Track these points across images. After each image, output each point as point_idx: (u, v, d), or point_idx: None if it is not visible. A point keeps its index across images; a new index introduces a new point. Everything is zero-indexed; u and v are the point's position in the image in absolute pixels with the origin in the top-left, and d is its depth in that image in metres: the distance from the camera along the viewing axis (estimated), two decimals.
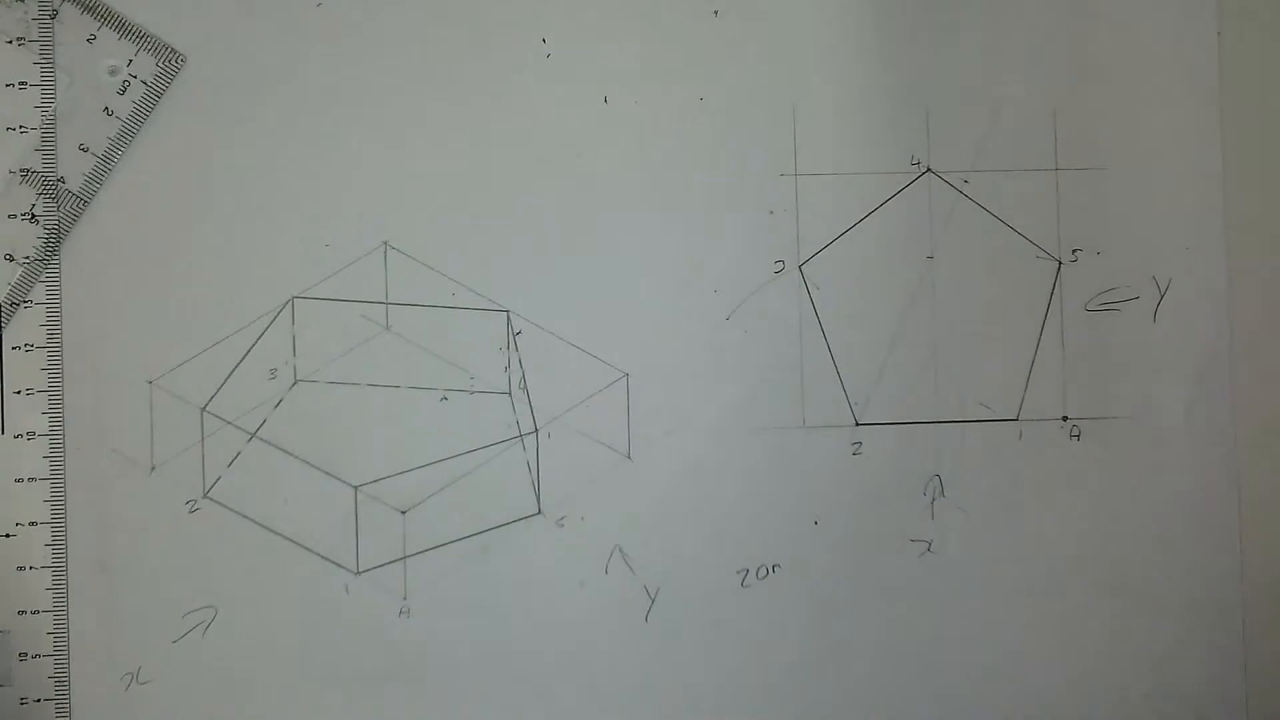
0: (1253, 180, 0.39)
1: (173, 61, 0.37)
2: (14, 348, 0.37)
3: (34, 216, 0.37)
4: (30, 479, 0.37)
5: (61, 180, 0.37)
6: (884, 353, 0.38)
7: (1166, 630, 0.39)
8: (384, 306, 0.38)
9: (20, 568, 0.37)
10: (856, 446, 0.38)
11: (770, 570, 0.38)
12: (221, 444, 0.37)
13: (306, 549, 0.37)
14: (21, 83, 0.36)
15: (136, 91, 0.37)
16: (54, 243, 0.37)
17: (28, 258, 0.37)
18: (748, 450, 0.38)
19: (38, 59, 0.36)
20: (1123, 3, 0.39)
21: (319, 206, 0.38)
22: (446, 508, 0.38)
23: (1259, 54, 0.39)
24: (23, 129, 0.36)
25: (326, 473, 0.37)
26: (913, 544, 0.38)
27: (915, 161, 0.38)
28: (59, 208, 0.36)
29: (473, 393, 0.38)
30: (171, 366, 0.37)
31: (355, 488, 0.37)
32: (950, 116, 0.38)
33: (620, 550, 0.38)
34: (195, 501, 0.37)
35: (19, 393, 0.37)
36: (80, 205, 0.37)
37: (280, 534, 0.37)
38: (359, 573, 0.37)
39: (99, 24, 0.37)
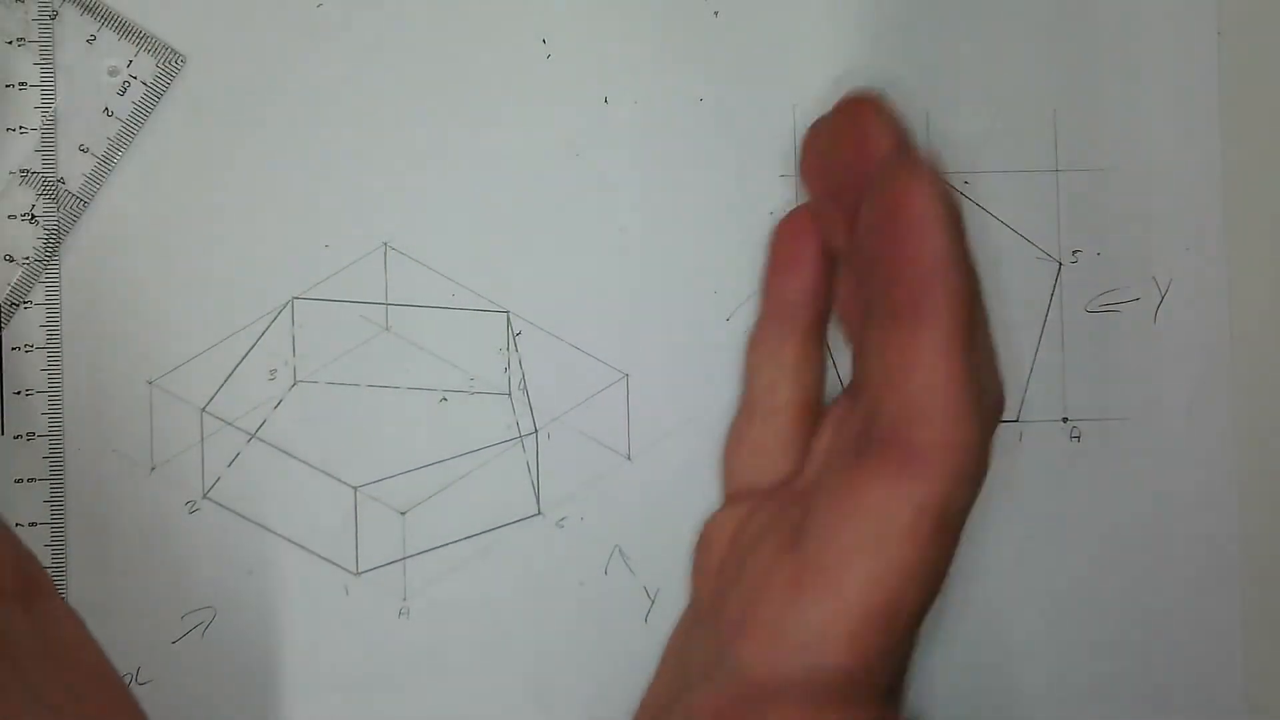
0: (1253, 180, 0.39)
1: (173, 62, 0.37)
2: (14, 348, 0.37)
3: (33, 217, 0.37)
4: (30, 479, 0.37)
5: (61, 181, 0.37)
6: None
7: (1166, 630, 0.39)
8: (384, 307, 0.38)
9: None
10: None
11: None
12: (221, 444, 0.37)
13: (306, 549, 0.37)
14: (22, 83, 0.36)
15: (136, 92, 0.37)
16: (53, 243, 0.37)
17: (27, 258, 0.36)
18: None
19: (38, 60, 0.36)
20: (1123, 3, 0.39)
21: (319, 206, 0.38)
22: (446, 508, 0.38)
23: (1259, 54, 0.39)
24: (23, 129, 0.36)
25: (326, 473, 0.37)
26: None
27: None
28: (58, 209, 0.36)
29: (472, 393, 0.38)
30: (171, 366, 0.37)
31: (355, 488, 0.37)
32: (950, 116, 0.38)
33: (620, 551, 0.38)
34: (195, 502, 0.37)
35: (19, 393, 0.37)
36: (80, 206, 0.37)
37: (280, 534, 0.37)
38: (359, 573, 0.37)
39: (99, 25, 0.37)
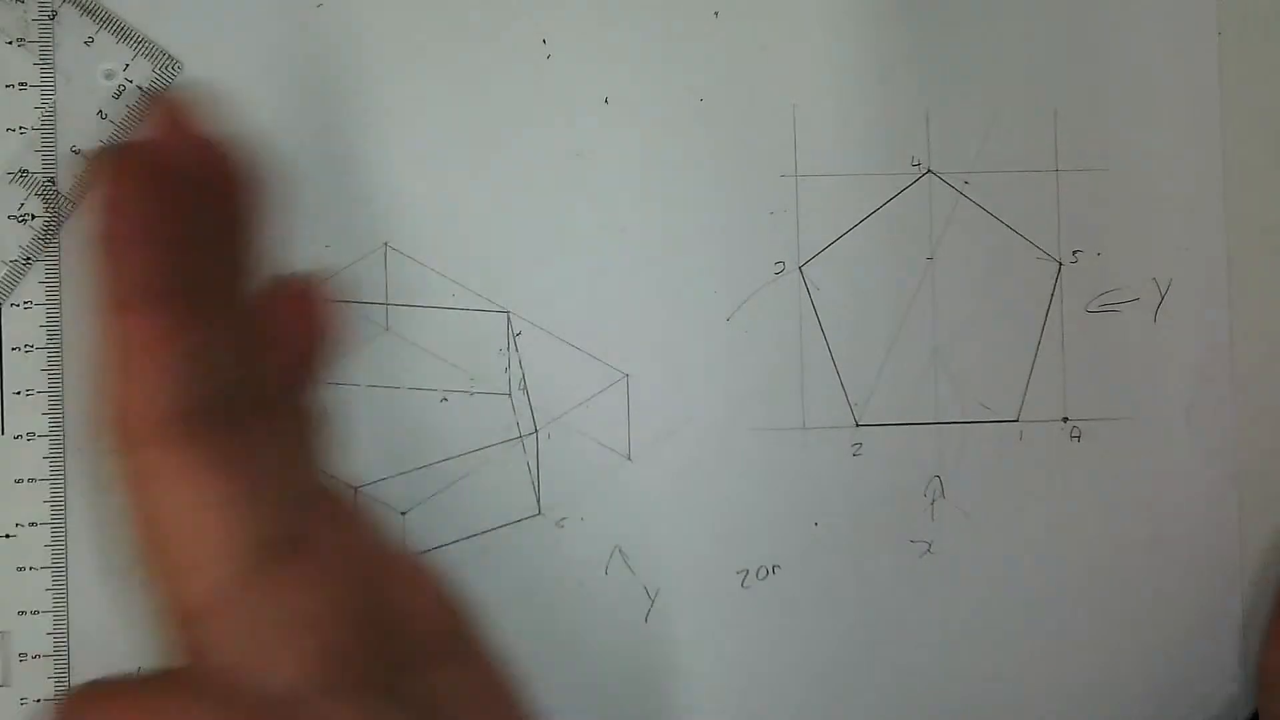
0: (1253, 180, 0.39)
1: (170, 68, 0.37)
2: (14, 348, 0.37)
3: (23, 217, 0.36)
4: (30, 479, 0.37)
5: (52, 181, 0.36)
6: (884, 353, 0.38)
7: (1166, 631, 0.39)
8: (384, 307, 0.38)
9: (20, 568, 0.37)
10: (857, 448, 0.38)
11: (770, 571, 0.38)
12: None
13: None
14: (21, 83, 0.36)
15: (132, 96, 0.37)
16: (43, 244, 0.37)
17: (14, 260, 0.36)
18: (748, 450, 0.38)
19: (38, 60, 0.36)
20: (1123, 3, 0.39)
21: (319, 206, 0.38)
22: (446, 508, 0.38)
23: (1259, 54, 0.39)
24: (21, 129, 0.36)
25: (326, 473, 0.37)
26: (913, 544, 0.38)
27: (915, 162, 0.38)
28: (46, 209, 0.36)
29: (473, 394, 0.38)
30: None
31: (355, 488, 0.37)
32: (950, 116, 0.38)
33: (620, 551, 0.38)
34: None
35: (19, 393, 0.37)
36: (70, 207, 0.37)
37: None
38: None
39: (98, 27, 0.36)
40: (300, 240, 0.37)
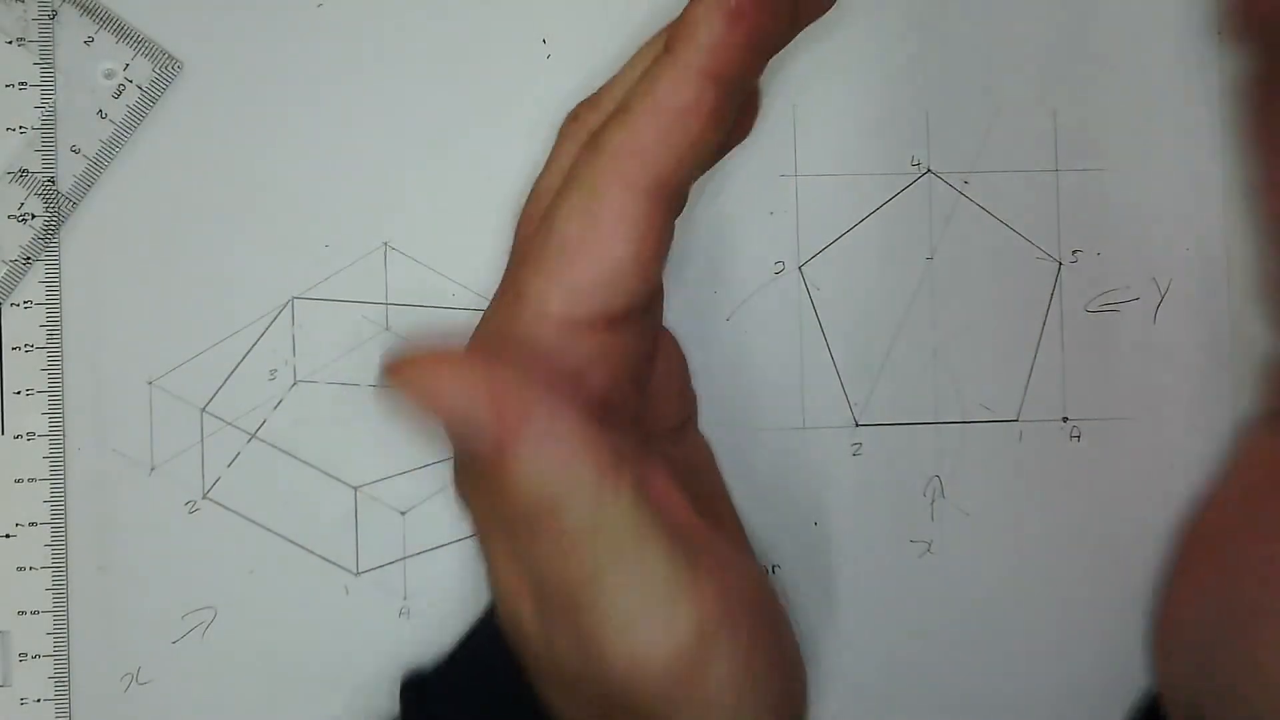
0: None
1: (170, 68, 0.37)
2: (14, 348, 0.37)
3: (25, 217, 0.36)
4: (30, 479, 0.37)
5: (52, 181, 0.37)
6: (884, 353, 0.38)
7: None
8: (384, 307, 0.38)
9: (20, 568, 0.37)
10: (856, 447, 0.38)
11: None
12: (221, 444, 0.37)
13: (306, 549, 0.37)
14: (21, 83, 0.36)
15: (131, 95, 0.37)
16: (42, 244, 0.37)
17: (14, 259, 0.36)
18: (748, 450, 0.38)
19: (38, 60, 0.36)
20: (1123, 3, 0.39)
21: (319, 206, 0.38)
22: (446, 508, 0.38)
23: None
24: (21, 129, 0.36)
25: (326, 473, 0.37)
26: (913, 544, 0.38)
27: (915, 162, 0.38)
28: (46, 209, 0.36)
29: None
30: (171, 366, 0.37)
31: (355, 488, 0.37)
32: (950, 116, 0.38)
33: None
34: (195, 502, 0.37)
35: (19, 393, 0.37)
36: (70, 206, 0.37)
37: (280, 534, 0.37)
38: (359, 573, 0.37)
39: (97, 26, 0.37)
40: (300, 240, 0.37)
